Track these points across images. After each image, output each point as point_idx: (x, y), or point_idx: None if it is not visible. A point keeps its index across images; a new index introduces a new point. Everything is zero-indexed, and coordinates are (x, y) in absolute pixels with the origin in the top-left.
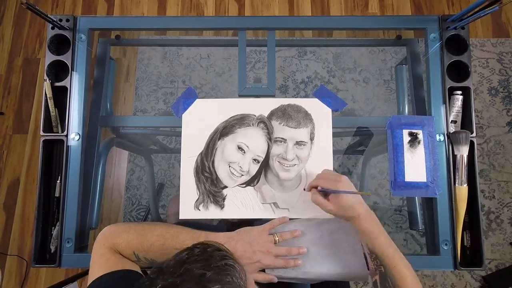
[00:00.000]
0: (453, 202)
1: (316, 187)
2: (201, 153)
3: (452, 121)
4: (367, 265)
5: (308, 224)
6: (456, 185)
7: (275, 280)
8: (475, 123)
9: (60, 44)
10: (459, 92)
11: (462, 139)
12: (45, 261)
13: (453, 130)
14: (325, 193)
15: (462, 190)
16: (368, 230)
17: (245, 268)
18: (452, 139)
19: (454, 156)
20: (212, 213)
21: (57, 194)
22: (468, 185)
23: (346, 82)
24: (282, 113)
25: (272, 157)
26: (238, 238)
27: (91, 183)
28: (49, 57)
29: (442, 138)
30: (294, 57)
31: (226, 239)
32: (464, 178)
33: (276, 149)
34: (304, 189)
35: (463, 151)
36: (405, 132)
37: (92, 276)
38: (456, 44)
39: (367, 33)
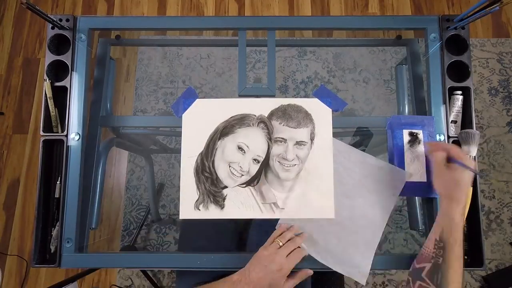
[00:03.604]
0: None
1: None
2: (201, 153)
3: (452, 121)
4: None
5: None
6: None
7: (310, 272)
8: (475, 123)
9: (60, 44)
10: (459, 92)
11: (472, 139)
12: (45, 261)
13: (453, 130)
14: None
15: (467, 192)
16: (454, 217)
17: (277, 285)
18: (461, 139)
19: None
20: (212, 213)
21: (57, 195)
22: None
23: (346, 82)
24: (282, 113)
25: (272, 157)
26: (250, 270)
27: (91, 183)
28: (49, 57)
29: (442, 138)
30: (294, 57)
31: (240, 277)
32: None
33: (276, 149)
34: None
35: (472, 152)
36: (405, 132)
37: None
38: (456, 44)
39: (367, 33)
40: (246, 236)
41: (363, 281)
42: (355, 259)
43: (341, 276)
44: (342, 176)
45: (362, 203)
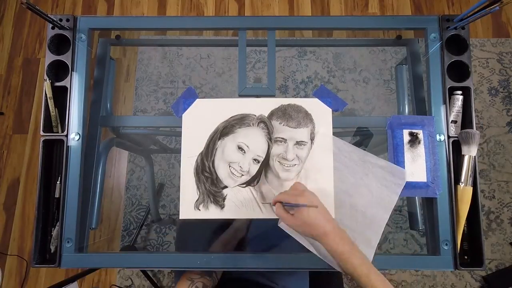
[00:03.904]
0: (454, 202)
1: (280, 202)
2: (201, 153)
3: (452, 121)
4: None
5: None
6: (461, 185)
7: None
8: (475, 123)
9: (60, 44)
10: (459, 92)
11: (472, 139)
12: (45, 261)
13: (454, 130)
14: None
15: (467, 191)
16: (337, 251)
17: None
18: (461, 139)
19: (459, 156)
20: (212, 213)
21: (57, 195)
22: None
23: (346, 82)
24: (282, 113)
25: (272, 157)
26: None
27: (91, 183)
28: (49, 57)
29: (442, 138)
30: (294, 57)
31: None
32: (470, 179)
33: (276, 149)
34: (271, 204)
35: (472, 152)
36: (405, 132)
37: None
38: (456, 44)
39: (367, 33)
40: (245, 236)
41: None
42: None
43: (339, 276)
44: (343, 174)
45: (362, 201)
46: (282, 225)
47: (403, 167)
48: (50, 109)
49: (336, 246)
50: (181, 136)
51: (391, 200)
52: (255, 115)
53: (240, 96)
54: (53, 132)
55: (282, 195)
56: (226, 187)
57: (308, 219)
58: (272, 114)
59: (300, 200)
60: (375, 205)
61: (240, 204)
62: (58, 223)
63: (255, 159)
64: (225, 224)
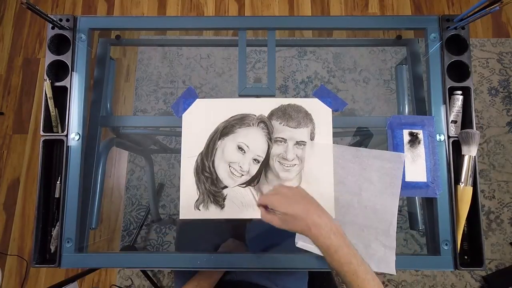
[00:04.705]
0: (454, 202)
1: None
2: (201, 153)
3: (452, 121)
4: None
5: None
6: (461, 185)
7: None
8: (475, 123)
9: (60, 44)
10: (459, 92)
11: (472, 139)
12: (45, 261)
13: (454, 130)
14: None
15: (467, 191)
16: (322, 244)
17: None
18: (461, 139)
19: (459, 156)
20: (212, 213)
21: (57, 195)
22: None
23: (346, 82)
24: (282, 113)
25: (272, 157)
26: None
27: (91, 183)
28: (49, 57)
29: (442, 138)
30: (294, 57)
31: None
32: (470, 179)
33: (276, 149)
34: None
35: (472, 152)
36: (405, 132)
37: None
38: (456, 44)
39: (367, 33)
40: (244, 236)
41: (393, 271)
42: (379, 253)
43: None
44: (342, 176)
45: (368, 195)
46: None
47: (403, 167)
48: (50, 109)
49: (322, 239)
50: (181, 136)
51: (395, 185)
52: (255, 115)
53: (240, 96)
54: (53, 132)
55: (263, 197)
56: (226, 187)
57: (291, 214)
58: (272, 114)
59: (279, 199)
60: (382, 194)
61: (240, 204)
62: (58, 223)
63: (255, 159)
64: (225, 224)
